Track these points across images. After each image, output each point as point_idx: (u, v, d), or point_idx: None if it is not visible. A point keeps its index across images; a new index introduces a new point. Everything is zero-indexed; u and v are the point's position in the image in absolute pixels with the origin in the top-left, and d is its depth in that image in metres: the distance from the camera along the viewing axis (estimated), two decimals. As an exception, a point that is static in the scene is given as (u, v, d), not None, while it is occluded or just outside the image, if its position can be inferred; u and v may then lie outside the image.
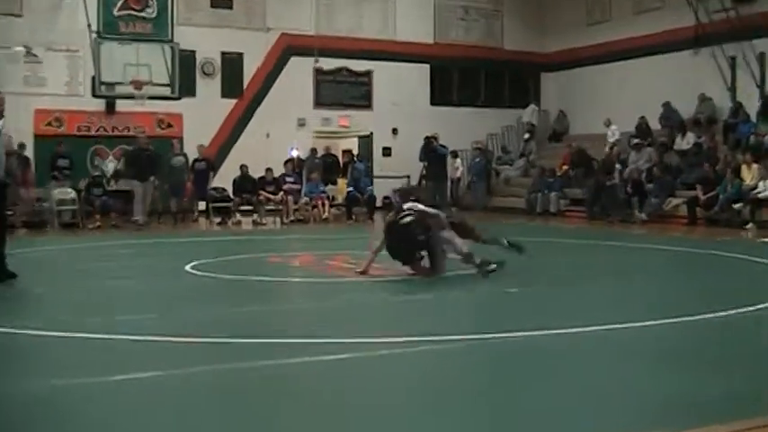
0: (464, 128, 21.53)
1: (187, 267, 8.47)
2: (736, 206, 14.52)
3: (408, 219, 7.27)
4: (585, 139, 20.07)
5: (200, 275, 8.00)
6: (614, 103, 20.29)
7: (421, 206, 7.33)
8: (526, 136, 21.56)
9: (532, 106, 22.25)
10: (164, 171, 15.50)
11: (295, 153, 20.08)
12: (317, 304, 6.46)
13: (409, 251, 7.24)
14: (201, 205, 16.83)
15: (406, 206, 7.48)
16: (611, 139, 18.56)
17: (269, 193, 16.65)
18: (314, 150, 20.68)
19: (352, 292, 7.05)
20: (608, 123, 18.76)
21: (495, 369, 4.38)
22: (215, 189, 16.81)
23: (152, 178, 14.89)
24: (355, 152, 22.34)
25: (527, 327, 5.25)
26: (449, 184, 18.20)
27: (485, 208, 19.85)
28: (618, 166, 17.26)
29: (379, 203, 19.39)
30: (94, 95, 17.61)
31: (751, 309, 5.83)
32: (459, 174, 20.96)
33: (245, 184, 16.66)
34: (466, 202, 20.66)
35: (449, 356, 4.62)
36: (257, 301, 6.58)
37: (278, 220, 16.69)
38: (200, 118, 18.86)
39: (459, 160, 20.95)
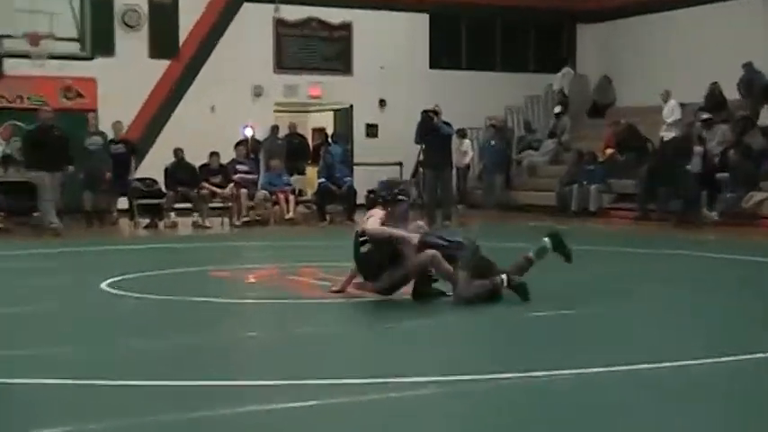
0: (475, 99, 21.54)
1: (103, 285, 8.54)
2: None
3: (365, 248, 7.32)
4: (636, 113, 20.10)
5: (120, 295, 8.08)
6: (676, 65, 20.35)
7: (392, 231, 7.20)
8: (557, 109, 21.56)
9: (566, 70, 22.28)
10: (78, 157, 15.32)
11: (249, 132, 20.00)
12: (279, 333, 6.46)
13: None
14: (122, 202, 16.75)
15: (367, 223, 7.37)
16: (670, 119, 18.50)
17: (214, 185, 16.56)
18: (275, 129, 20.64)
19: (326, 317, 7.07)
20: (666, 97, 18.66)
21: (517, 419, 4.29)
22: (141, 181, 16.74)
23: (67, 168, 14.66)
24: (330, 132, 22.39)
25: (562, 363, 5.29)
26: (454, 173, 18.12)
27: (501, 206, 19.81)
28: (698, 148, 17.21)
29: (361, 199, 19.33)
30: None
31: None
32: (467, 160, 20.93)
33: (181, 173, 16.57)
34: (477, 199, 20.61)
35: (461, 403, 4.61)
36: (196, 330, 6.56)
37: (226, 221, 16.62)
38: (121, 85, 18.77)
39: (467, 142, 20.92)
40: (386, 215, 7.38)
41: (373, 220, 7.34)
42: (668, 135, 18.30)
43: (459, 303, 7.16)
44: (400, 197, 7.44)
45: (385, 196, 7.49)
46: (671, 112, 18.63)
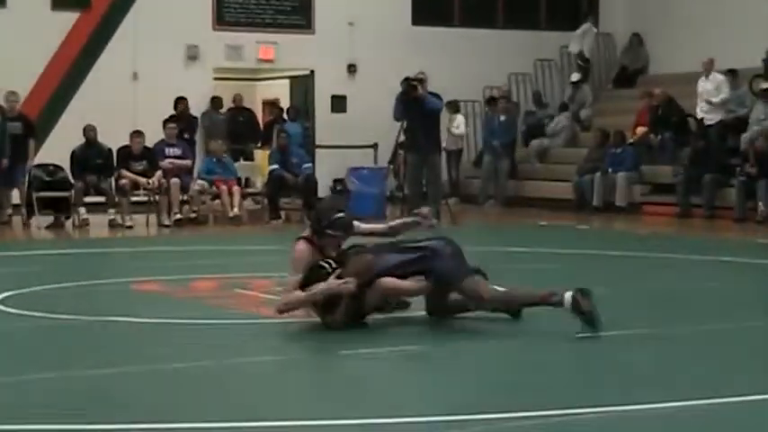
0: (471, 65, 21.52)
1: (-8, 301, 8.52)
2: None
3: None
4: (675, 81, 20.15)
5: (17, 314, 8.05)
6: (724, 21, 20.39)
7: (314, 293, 7.11)
8: (575, 77, 21.60)
9: (586, 27, 22.29)
10: None
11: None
12: (222, 362, 6.40)
13: None
14: (16, 196, 16.61)
15: (281, 298, 7.38)
16: (716, 99, 18.32)
17: (137, 173, 16.43)
18: (215, 102, 20.55)
19: (287, 342, 7.01)
20: (708, 68, 18.53)
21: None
22: (41, 168, 16.59)
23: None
24: (285, 105, 22.30)
25: (617, 398, 5.24)
26: (443, 158, 18.06)
27: (506, 200, 19.81)
28: (756, 128, 17.23)
29: (324, 191, 19.22)
30: None
31: None
32: (460, 142, 20.90)
33: (92, 158, 16.43)
34: (473, 190, 20.56)
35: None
36: (114, 359, 6.50)
37: (153, 219, 16.52)
38: (15, 45, 18.55)
39: (460, 118, 20.91)
40: (312, 250, 7.32)
41: (285, 293, 7.31)
42: (711, 118, 18.19)
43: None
44: (329, 231, 7.35)
45: (313, 225, 7.45)
46: (716, 88, 18.42)
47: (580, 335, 6.92)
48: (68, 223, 16.18)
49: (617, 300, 8.91)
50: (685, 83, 19.51)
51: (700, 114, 18.38)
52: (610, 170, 18.52)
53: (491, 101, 21.10)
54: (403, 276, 7.19)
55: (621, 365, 6.37)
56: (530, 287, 7.61)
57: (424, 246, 7.29)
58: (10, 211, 16.28)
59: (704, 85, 18.46)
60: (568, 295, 7.03)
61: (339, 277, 7.07)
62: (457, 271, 7.23)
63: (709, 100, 18.33)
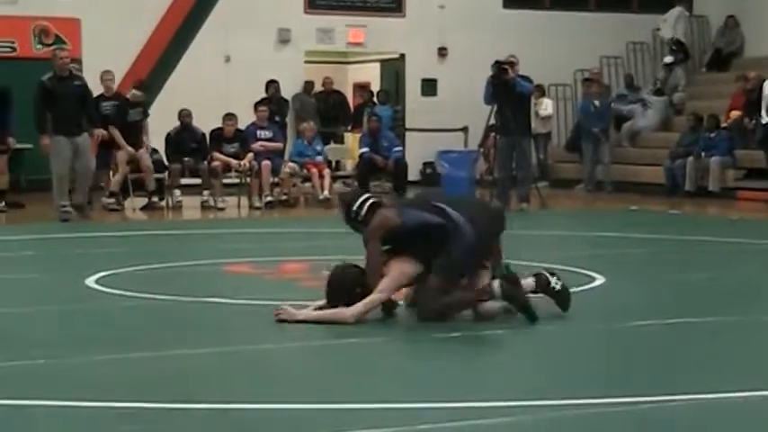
0: (562, 48, 21.38)
1: (89, 281, 8.60)
2: None
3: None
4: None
5: (111, 294, 8.12)
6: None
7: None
8: (668, 59, 21.30)
9: (679, 10, 21.99)
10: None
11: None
12: (309, 343, 6.46)
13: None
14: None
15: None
16: None
17: (229, 155, 16.57)
18: (307, 85, 20.65)
19: (377, 324, 6.99)
20: None
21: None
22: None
23: (90, 133, 14.51)
24: (375, 89, 22.35)
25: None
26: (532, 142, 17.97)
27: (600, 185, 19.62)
28: None
29: (414, 175, 19.24)
30: None
31: None
32: (548, 125, 20.77)
33: (186, 141, 16.60)
34: (563, 174, 20.41)
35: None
36: (209, 339, 6.56)
37: (244, 201, 16.61)
38: (112, 28, 18.79)
39: (547, 101, 20.78)
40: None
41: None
42: None
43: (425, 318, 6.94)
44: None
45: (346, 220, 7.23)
46: None
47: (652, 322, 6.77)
48: (163, 205, 16.35)
49: (706, 286, 8.82)
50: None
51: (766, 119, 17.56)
52: (703, 154, 18.27)
53: (587, 81, 20.90)
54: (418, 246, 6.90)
55: (707, 353, 6.29)
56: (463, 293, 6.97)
57: (450, 216, 6.89)
58: (108, 193, 16.41)
59: None
60: (496, 284, 6.73)
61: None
62: (463, 268, 6.91)
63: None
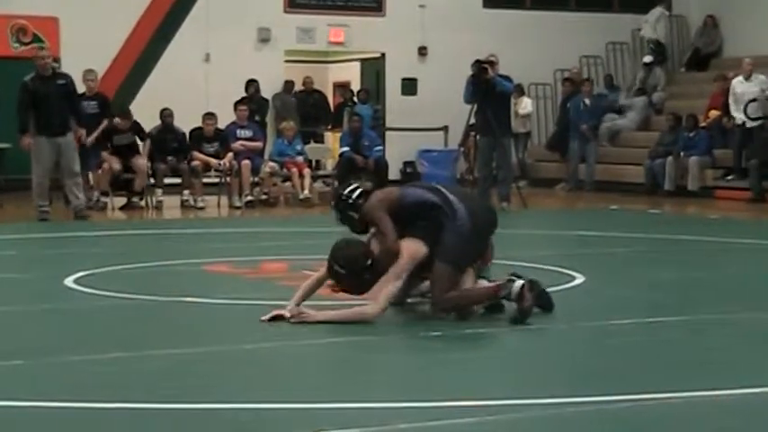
0: (542, 47, 21.40)
1: (68, 281, 8.58)
2: None
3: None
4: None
5: (90, 294, 8.10)
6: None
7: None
8: (647, 59, 21.34)
9: (659, 10, 22.05)
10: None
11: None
12: (290, 343, 6.42)
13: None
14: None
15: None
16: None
17: (209, 155, 16.54)
18: (287, 84, 20.61)
19: (358, 323, 6.93)
20: (749, 71, 18.15)
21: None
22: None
23: (75, 132, 14.43)
24: (356, 88, 22.33)
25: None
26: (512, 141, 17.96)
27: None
28: None
29: (394, 174, 19.22)
30: None
31: None
32: (528, 124, 20.79)
33: (167, 141, 16.55)
34: (543, 173, 20.43)
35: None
36: (188, 339, 6.55)
37: (225, 200, 16.61)
38: (90, 26, 18.71)
39: (527, 101, 20.79)
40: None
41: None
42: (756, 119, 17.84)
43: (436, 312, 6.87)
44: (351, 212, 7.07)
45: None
46: (762, 90, 18.04)
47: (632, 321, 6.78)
48: (142, 204, 16.32)
49: (686, 284, 8.84)
50: (761, 66, 19.22)
51: (741, 119, 17.91)
52: (682, 154, 18.32)
53: (568, 81, 20.93)
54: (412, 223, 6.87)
55: (686, 351, 6.29)
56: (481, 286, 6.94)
57: (448, 198, 6.87)
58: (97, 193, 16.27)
59: (745, 87, 18.05)
60: (518, 284, 6.67)
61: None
62: (461, 256, 6.81)
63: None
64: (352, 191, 7.15)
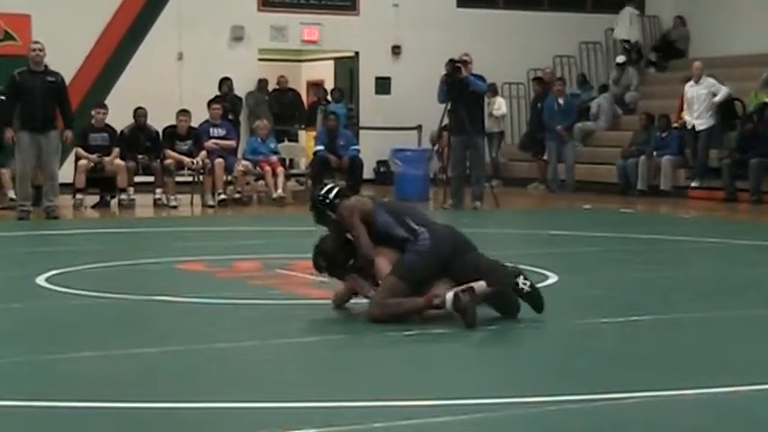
0: (515, 47, 21.43)
1: (40, 279, 8.56)
2: None
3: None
4: (717, 64, 19.95)
5: (62, 293, 8.08)
6: (766, 6, 20.28)
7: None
8: (620, 59, 21.39)
9: (629, 10, 22.13)
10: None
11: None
12: (264, 342, 6.40)
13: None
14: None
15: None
16: (718, 98, 17.87)
17: (182, 153, 16.48)
18: (261, 83, 20.57)
19: (329, 322, 7.02)
20: (698, 74, 18.11)
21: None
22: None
23: (64, 134, 14.23)
24: (329, 87, 22.30)
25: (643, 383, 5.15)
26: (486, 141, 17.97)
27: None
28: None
29: (368, 173, 19.22)
30: None
31: None
32: (501, 124, 20.81)
33: (140, 140, 16.51)
34: (516, 172, 20.45)
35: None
36: (161, 338, 6.54)
37: (198, 199, 16.58)
38: (63, 24, 18.63)
39: (500, 100, 20.80)
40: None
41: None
42: (702, 123, 17.83)
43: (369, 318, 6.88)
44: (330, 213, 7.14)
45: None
46: (709, 93, 17.96)
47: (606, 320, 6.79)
48: (114, 203, 16.24)
49: (659, 283, 8.87)
50: (731, 66, 19.37)
51: (691, 123, 17.94)
52: (655, 154, 18.36)
53: (537, 80, 20.96)
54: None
55: (662, 350, 6.30)
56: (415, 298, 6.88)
57: (412, 228, 6.93)
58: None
59: (695, 91, 17.96)
60: (450, 296, 6.64)
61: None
62: (414, 275, 6.86)
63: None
64: (329, 191, 7.19)
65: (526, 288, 6.86)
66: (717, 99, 17.91)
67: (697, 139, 17.86)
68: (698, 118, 17.89)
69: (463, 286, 6.64)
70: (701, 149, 17.78)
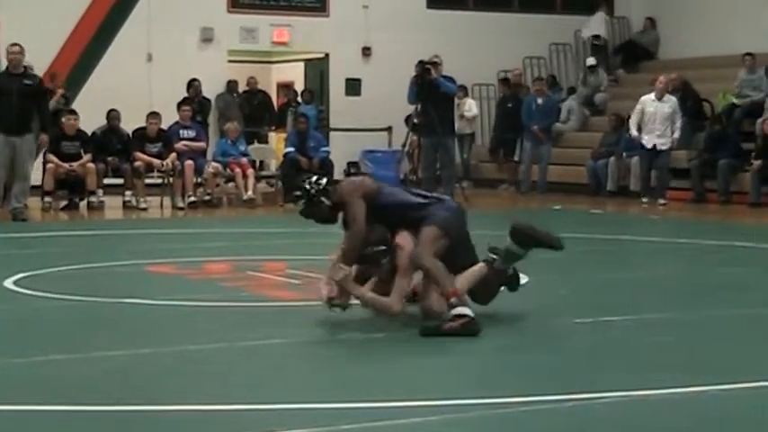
0: (485, 48, 21.45)
1: (8, 283, 8.53)
2: None
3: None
4: (685, 65, 20.07)
5: (31, 295, 8.06)
6: (737, 8, 20.32)
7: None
8: (591, 61, 21.45)
9: (601, 14, 22.23)
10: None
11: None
12: (234, 344, 6.38)
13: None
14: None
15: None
16: (677, 124, 17.02)
17: (152, 155, 16.42)
18: (231, 84, 20.51)
19: (299, 324, 6.97)
20: (751, 64, 18.02)
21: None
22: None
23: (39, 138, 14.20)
24: (300, 88, 22.27)
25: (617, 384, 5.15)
26: (455, 143, 17.97)
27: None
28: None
29: (339, 175, 19.17)
30: None
31: None
32: (472, 125, 20.82)
33: (112, 142, 16.46)
34: (485, 174, 20.47)
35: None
36: (130, 340, 6.51)
37: (168, 201, 16.52)
38: (32, 25, 18.53)
39: (470, 102, 20.81)
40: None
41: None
42: (663, 143, 17.01)
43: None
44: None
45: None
46: (673, 111, 17.00)
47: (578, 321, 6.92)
48: (83, 204, 16.14)
49: (629, 284, 8.90)
50: (699, 67, 19.47)
51: (651, 141, 16.96)
52: (624, 155, 18.41)
53: (504, 82, 20.99)
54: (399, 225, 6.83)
55: (634, 350, 6.33)
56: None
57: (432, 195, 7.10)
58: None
59: (657, 107, 16.98)
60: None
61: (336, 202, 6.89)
62: (444, 220, 6.82)
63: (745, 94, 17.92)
64: (319, 179, 7.05)
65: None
66: (676, 126, 17.09)
67: (657, 157, 17.12)
68: (660, 137, 17.02)
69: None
70: (662, 168, 17.13)
